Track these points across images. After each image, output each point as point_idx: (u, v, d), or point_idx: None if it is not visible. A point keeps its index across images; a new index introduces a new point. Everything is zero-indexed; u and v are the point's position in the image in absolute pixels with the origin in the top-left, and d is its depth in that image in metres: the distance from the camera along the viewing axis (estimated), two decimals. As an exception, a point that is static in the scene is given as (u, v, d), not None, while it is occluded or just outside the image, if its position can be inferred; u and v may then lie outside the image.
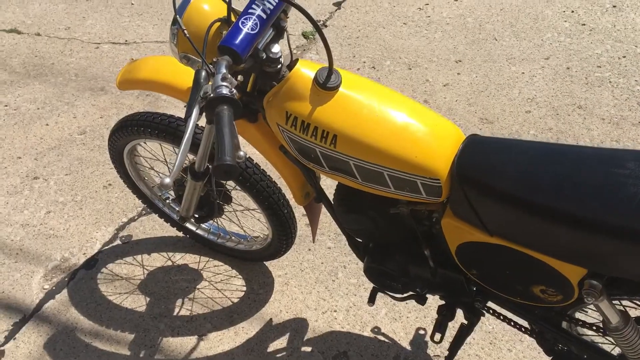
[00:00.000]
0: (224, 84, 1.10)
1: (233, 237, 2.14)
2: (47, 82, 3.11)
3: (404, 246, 1.55)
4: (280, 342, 1.92)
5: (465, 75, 3.05)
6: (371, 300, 1.70)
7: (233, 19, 1.34)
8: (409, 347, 1.90)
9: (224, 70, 1.13)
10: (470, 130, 2.71)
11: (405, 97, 1.37)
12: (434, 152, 1.29)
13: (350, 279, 2.11)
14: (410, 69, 3.11)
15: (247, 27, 1.21)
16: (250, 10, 1.23)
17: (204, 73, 1.16)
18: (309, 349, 1.91)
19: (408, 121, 1.31)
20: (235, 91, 1.10)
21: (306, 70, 1.34)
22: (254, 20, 1.22)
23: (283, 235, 1.88)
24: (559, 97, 2.87)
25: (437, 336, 1.65)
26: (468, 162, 1.29)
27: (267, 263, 2.17)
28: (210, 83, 1.14)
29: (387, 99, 1.33)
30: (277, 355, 1.88)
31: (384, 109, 1.31)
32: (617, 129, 2.68)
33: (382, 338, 1.93)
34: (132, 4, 3.76)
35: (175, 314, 2.00)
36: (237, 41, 1.19)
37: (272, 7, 1.25)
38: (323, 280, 2.11)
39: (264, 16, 1.24)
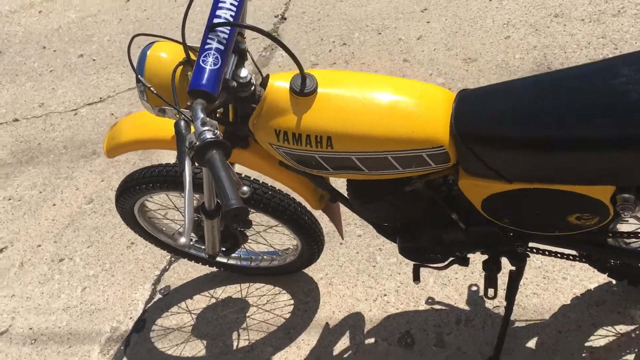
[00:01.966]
0: (206, 128, 1.08)
1: (265, 257, 2.14)
2: (40, 164, 3.12)
3: (431, 217, 1.53)
4: (343, 343, 1.93)
5: (435, 22, 3.00)
6: (416, 277, 1.70)
7: (193, 57, 1.32)
8: (467, 308, 1.90)
9: (201, 115, 1.12)
10: (457, 75, 2.67)
11: (383, 76, 1.35)
12: (429, 121, 1.27)
13: (390, 259, 2.10)
14: (380, 33, 3.06)
15: (209, 64, 1.19)
16: (207, 46, 1.21)
17: (182, 123, 1.14)
18: (372, 340, 1.91)
19: (394, 99, 1.29)
20: (219, 132, 1.09)
21: (280, 83, 1.32)
22: (214, 54, 1.20)
23: (311, 241, 1.88)
24: (533, 12, 2.82)
25: (490, 292, 1.64)
26: (465, 120, 1.27)
27: (305, 270, 2.17)
28: (192, 131, 1.13)
29: (366, 84, 1.31)
30: (344, 356, 1.89)
31: (367, 95, 1.29)
32: (600, 25, 2.62)
33: (438, 307, 1.93)
34: (94, 59, 3.75)
35: (235, 348, 2.02)
36: (204, 81, 1.17)
37: (227, 36, 1.23)
38: (364, 269, 2.11)
39: (222, 47, 1.21)
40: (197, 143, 1.07)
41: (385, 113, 1.27)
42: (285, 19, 3.45)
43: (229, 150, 1.07)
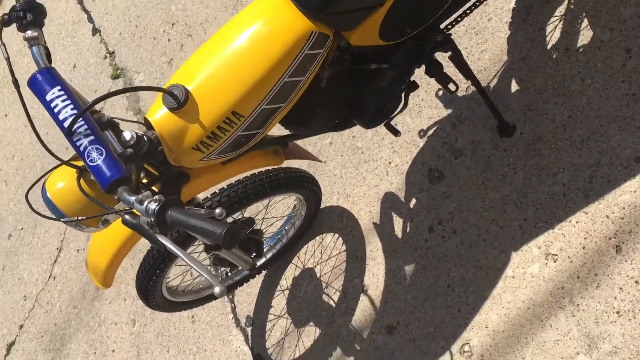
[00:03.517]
0: (146, 203, 1.08)
1: (286, 227, 2.19)
2: (72, 336, 3.13)
3: (360, 83, 1.56)
4: (397, 222, 2.00)
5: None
6: (395, 132, 1.74)
7: (80, 163, 1.30)
8: (450, 111, 1.95)
9: (132, 198, 1.11)
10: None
11: (223, 29, 1.34)
12: (284, 25, 1.28)
13: (367, 135, 2.15)
14: (187, -12, 2.97)
15: (97, 159, 1.17)
16: (81, 149, 1.19)
17: (126, 217, 1.15)
18: (413, 200, 1.98)
19: (246, 36, 1.29)
20: (157, 196, 1.09)
21: (159, 114, 1.30)
22: (91, 148, 1.18)
23: (303, 186, 1.91)
24: None
25: (451, 86, 1.69)
26: None
27: (322, 206, 2.22)
28: (139, 215, 1.13)
29: (217, 48, 1.31)
30: (408, 230, 1.97)
31: (225, 54, 1.29)
32: None
33: (431, 131, 1.99)
34: (21, 228, 3.68)
35: (334, 306, 2.11)
36: (108, 174, 1.16)
37: (86, 126, 1.20)
38: (357, 161, 2.16)
39: (92, 137, 1.19)
40: (152, 219, 1.08)
41: (251, 53, 1.28)
42: (113, 52, 3.34)
43: (177, 200, 1.08)
